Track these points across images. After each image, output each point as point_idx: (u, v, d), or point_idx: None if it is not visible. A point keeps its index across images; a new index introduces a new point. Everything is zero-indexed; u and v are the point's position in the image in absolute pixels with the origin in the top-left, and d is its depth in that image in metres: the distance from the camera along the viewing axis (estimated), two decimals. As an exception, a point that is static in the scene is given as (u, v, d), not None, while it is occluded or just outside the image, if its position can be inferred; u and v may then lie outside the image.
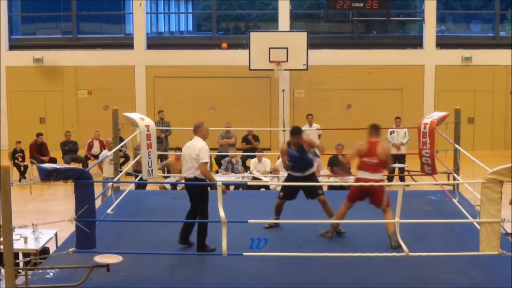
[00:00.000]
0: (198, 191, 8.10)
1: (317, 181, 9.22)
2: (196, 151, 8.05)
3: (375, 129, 8.63)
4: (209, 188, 8.22)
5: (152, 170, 10.51)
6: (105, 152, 13.65)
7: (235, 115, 19.10)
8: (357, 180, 8.50)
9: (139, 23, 20.23)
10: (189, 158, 8.12)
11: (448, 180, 11.40)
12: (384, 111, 18.68)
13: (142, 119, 10.60)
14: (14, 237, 7.60)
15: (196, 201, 8.18)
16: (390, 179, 14.43)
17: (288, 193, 8.95)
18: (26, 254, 9.01)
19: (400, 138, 15.87)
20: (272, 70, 18.54)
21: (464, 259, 7.65)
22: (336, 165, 14.15)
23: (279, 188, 12.88)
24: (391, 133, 15.99)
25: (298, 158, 8.76)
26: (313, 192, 8.78)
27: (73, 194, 7.17)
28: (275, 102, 19.95)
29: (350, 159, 8.95)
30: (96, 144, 17.37)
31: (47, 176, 7.00)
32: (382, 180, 8.51)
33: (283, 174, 13.32)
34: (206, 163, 8.05)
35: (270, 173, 13.55)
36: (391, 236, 8.12)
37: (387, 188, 8.59)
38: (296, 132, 8.82)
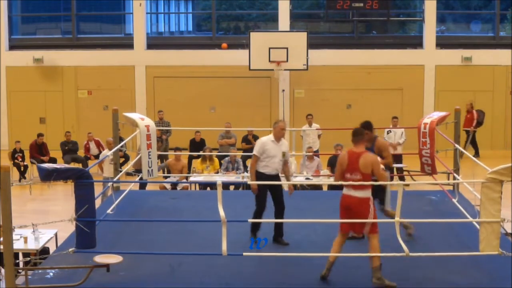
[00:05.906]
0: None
1: None
2: None
3: (356, 136, 7.28)
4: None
5: (152, 170, 10.50)
6: (105, 152, 13.65)
7: (235, 115, 19.11)
8: (341, 198, 7.36)
9: (139, 23, 20.24)
10: None
11: (448, 180, 11.39)
12: (384, 111, 18.67)
13: (142, 119, 10.60)
14: (14, 237, 7.59)
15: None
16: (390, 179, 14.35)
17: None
18: (26, 254, 9.00)
19: (397, 138, 15.76)
20: (272, 70, 18.55)
21: (464, 259, 7.64)
22: (335, 165, 14.10)
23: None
24: (388, 133, 15.95)
25: None
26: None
27: (73, 194, 7.18)
28: (275, 102, 19.96)
29: (337, 179, 7.38)
30: (92, 145, 17.35)
31: (47, 176, 7.00)
32: (367, 199, 7.18)
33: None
34: (253, 155, 8.46)
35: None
36: (374, 271, 7.09)
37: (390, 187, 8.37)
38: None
